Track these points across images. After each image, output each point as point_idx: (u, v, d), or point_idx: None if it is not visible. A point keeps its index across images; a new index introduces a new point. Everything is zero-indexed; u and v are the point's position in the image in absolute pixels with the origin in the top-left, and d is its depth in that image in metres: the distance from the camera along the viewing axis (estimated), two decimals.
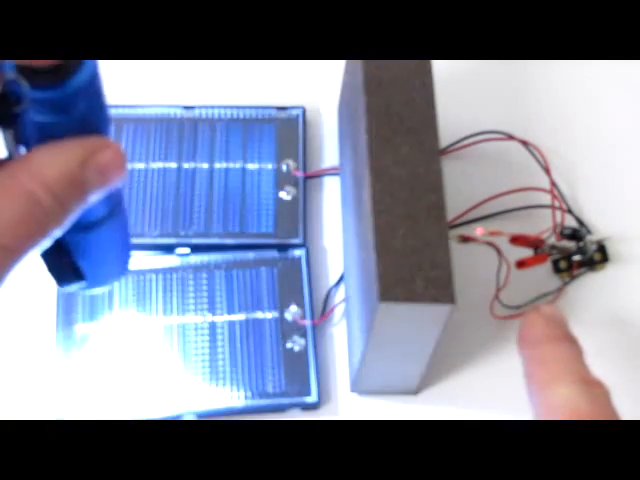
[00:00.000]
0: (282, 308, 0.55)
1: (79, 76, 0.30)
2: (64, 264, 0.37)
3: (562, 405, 0.38)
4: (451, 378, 0.55)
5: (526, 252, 0.55)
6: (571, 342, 0.42)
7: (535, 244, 0.55)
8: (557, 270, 0.57)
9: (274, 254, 0.57)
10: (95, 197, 0.33)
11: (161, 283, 0.56)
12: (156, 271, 0.56)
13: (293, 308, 0.55)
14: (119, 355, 0.53)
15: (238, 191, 0.59)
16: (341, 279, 0.57)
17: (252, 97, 0.63)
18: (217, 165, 0.59)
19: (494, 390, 0.54)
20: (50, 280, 0.37)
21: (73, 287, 0.38)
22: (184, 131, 0.60)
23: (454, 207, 0.57)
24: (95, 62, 0.31)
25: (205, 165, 0.59)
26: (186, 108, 0.61)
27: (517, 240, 0.54)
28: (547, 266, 0.57)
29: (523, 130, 0.60)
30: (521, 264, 0.55)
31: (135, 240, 0.56)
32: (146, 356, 0.53)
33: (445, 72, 0.56)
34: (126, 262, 0.41)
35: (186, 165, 0.59)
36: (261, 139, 0.60)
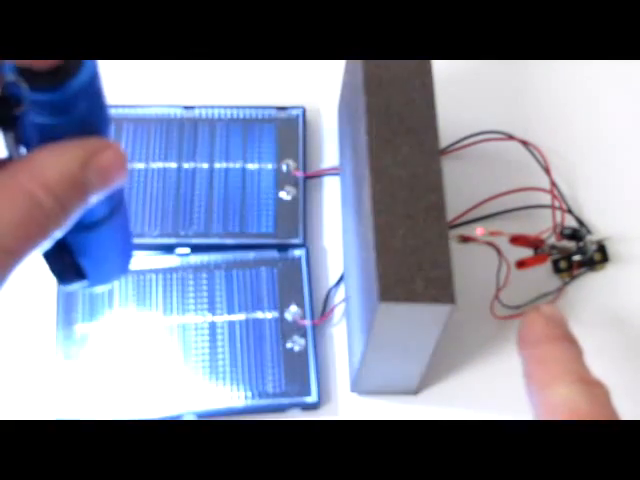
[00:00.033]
0: (282, 308, 0.55)
1: (79, 77, 0.30)
2: (66, 263, 0.37)
3: (562, 405, 0.38)
4: (451, 378, 0.55)
5: (526, 252, 0.55)
6: (571, 342, 0.42)
7: (535, 244, 0.55)
8: (557, 270, 0.57)
9: (274, 254, 0.57)
10: (96, 198, 0.33)
11: (161, 283, 0.56)
12: (156, 271, 0.56)
13: (293, 308, 0.55)
14: (119, 355, 0.53)
15: (238, 191, 0.59)
16: (341, 279, 0.57)
17: (252, 97, 0.63)
18: (217, 165, 0.59)
19: (494, 390, 0.54)
20: (50, 280, 0.37)
21: (75, 286, 0.38)
22: (184, 131, 0.60)
23: (454, 207, 0.57)
24: (95, 63, 0.31)
25: (205, 165, 0.59)
26: (186, 108, 0.61)
27: (517, 240, 0.54)
28: (547, 266, 0.57)
29: (523, 130, 0.60)
30: (521, 264, 0.55)
31: (135, 240, 0.56)
32: (146, 356, 0.53)
33: (445, 72, 0.56)
34: (128, 260, 0.41)
35: (186, 165, 0.59)
36: (261, 139, 0.60)
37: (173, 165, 0.59)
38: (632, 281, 0.58)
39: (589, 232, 0.58)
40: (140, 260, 0.56)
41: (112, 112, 0.34)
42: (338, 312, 0.56)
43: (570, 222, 0.58)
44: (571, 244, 0.57)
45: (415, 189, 0.46)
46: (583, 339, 0.42)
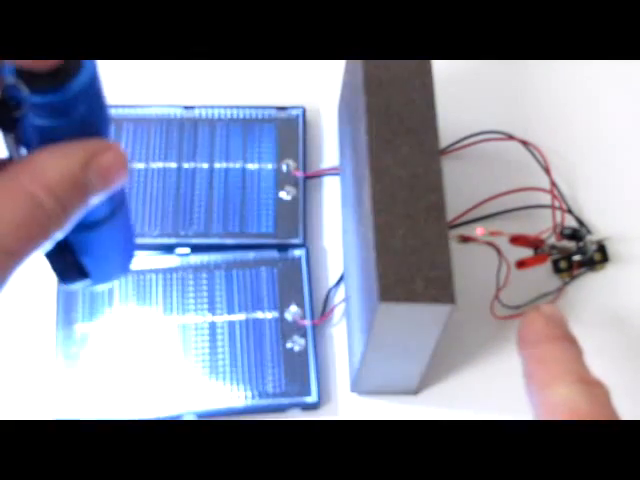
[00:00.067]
0: (282, 308, 0.55)
1: (78, 79, 0.30)
2: (68, 263, 0.37)
3: (562, 405, 0.38)
4: (451, 378, 0.55)
5: (526, 252, 0.55)
6: (571, 342, 0.42)
7: (535, 244, 0.55)
8: (557, 270, 0.57)
9: (274, 254, 0.57)
10: (97, 199, 0.33)
11: (161, 283, 0.56)
12: (156, 271, 0.56)
13: (293, 308, 0.55)
14: (119, 355, 0.53)
15: (238, 191, 0.59)
16: (341, 279, 0.57)
17: (252, 97, 0.63)
18: (217, 165, 0.59)
19: (494, 390, 0.54)
20: (50, 279, 0.37)
21: (78, 285, 0.38)
22: (184, 131, 0.60)
23: (454, 207, 0.57)
24: (94, 65, 0.31)
25: (205, 165, 0.59)
26: (186, 108, 0.61)
27: (517, 240, 0.54)
28: (547, 266, 0.57)
29: (523, 130, 0.60)
30: (521, 264, 0.55)
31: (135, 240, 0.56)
32: (146, 356, 0.53)
33: (445, 72, 0.56)
34: (130, 259, 0.41)
35: (186, 165, 0.59)
36: (261, 139, 0.60)
37: (173, 165, 0.59)
38: (632, 281, 0.58)
39: (589, 232, 0.58)
40: (140, 260, 0.56)
41: (112, 112, 0.34)
42: (338, 312, 0.56)
43: (570, 222, 0.58)
44: (571, 244, 0.57)
45: (415, 189, 0.46)
46: (583, 339, 0.42)
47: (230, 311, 0.55)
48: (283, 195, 0.58)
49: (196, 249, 0.57)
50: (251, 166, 0.59)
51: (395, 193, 0.46)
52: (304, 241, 0.57)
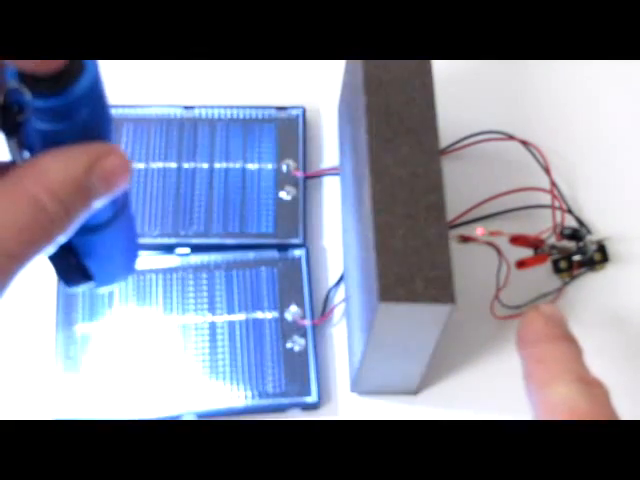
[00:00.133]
0: (282, 308, 0.55)
1: (81, 83, 0.30)
2: (71, 266, 0.37)
3: (561, 404, 0.38)
4: (451, 378, 0.55)
5: (526, 252, 0.55)
6: (570, 341, 0.42)
7: (535, 244, 0.55)
8: (557, 270, 0.57)
9: (274, 254, 0.57)
10: (100, 203, 0.33)
11: (161, 283, 0.56)
12: (156, 271, 0.56)
13: (293, 308, 0.55)
14: (119, 355, 0.53)
15: (238, 191, 0.59)
16: (341, 279, 0.57)
17: (252, 97, 0.63)
18: (217, 165, 0.59)
19: (494, 390, 0.54)
20: (50, 280, 0.37)
21: (81, 288, 0.38)
22: (184, 131, 0.60)
23: (454, 207, 0.57)
24: (96, 68, 0.31)
25: (205, 165, 0.59)
26: (186, 108, 0.61)
27: (517, 240, 0.54)
28: (547, 266, 0.57)
29: (523, 130, 0.60)
30: (521, 264, 0.55)
31: None
32: (146, 356, 0.53)
33: (445, 72, 0.56)
34: (134, 261, 0.41)
35: (186, 165, 0.59)
36: (261, 139, 0.60)
37: (173, 165, 0.59)
38: (632, 281, 0.58)
39: (589, 232, 0.58)
40: (140, 260, 0.56)
41: (112, 112, 0.34)
42: (338, 312, 0.56)
43: (570, 222, 0.58)
44: (571, 244, 0.57)
45: (415, 189, 0.46)
46: (583, 339, 0.42)
47: (230, 311, 0.55)
48: (283, 195, 0.58)
49: (196, 249, 0.57)
50: (251, 166, 0.59)
51: (395, 193, 0.46)
52: (304, 241, 0.57)
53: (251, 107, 0.61)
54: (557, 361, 0.40)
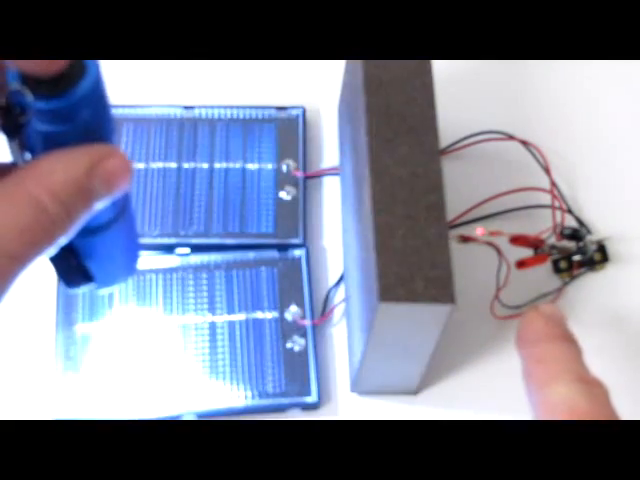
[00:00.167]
0: (282, 308, 0.55)
1: (82, 85, 0.30)
2: (72, 267, 0.37)
3: (561, 404, 0.38)
4: (451, 378, 0.55)
5: (526, 252, 0.55)
6: (570, 341, 0.42)
7: (535, 244, 0.55)
8: (557, 270, 0.57)
9: (274, 254, 0.57)
10: (101, 204, 0.33)
11: (161, 283, 0.56)
12: (156, 271, 0.56)
13: (293, 308, 0.55)
14: (119, 355, 0.53)
15: (238, 191, 0.59)
16: (341, 279, 0.57)
17: (252, 97, 0.63)
18: (217, 165, 0.59)
19: (494, 390, 0.54)
20: (50, 280, 0.37)
21: (82, 289, 0.38)
22: (184, 131, 0.60)
23: (454, 207, 0.57)
24: (98, 70, 0.31)
25: (205, 165, 0.59)
26: (186, 108, 0.61)
27: (517, 240, 0.54)
28: (547, 266, 0.57)
29: (523, 130, 0.60)
30: (521, 264, 0.55)
31: None
32: (146, 356, 0.53)
33: (445, 72, 0.56)
34: (135, 261, 0.41)
35: (186, 165, 0.59)
36: (261, 139, 0.60)
37: (173, 165, 0.59)
38: (632, 281, 0.58)
39: (589, 232, 0.58)
40: (140, 260, 0.56)
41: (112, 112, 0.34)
42: (338, 312, 0.56)
43: (570, 222, 0.58)
44: (571, 244, 0.57)
45: (415, 189, 0.46)
46: (583, 339, 0.42)
47: (230, 311, 0.55)
48: (283, 195, 0.58)
49: (196, 249, 0.57)
50: (251, 166, 0.59)
51: (395, 193, 0.46)
52: (304, 241, 0.57)
53: (251, 107, 0.61)
54: (557, 361, 0.40)
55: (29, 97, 0.30)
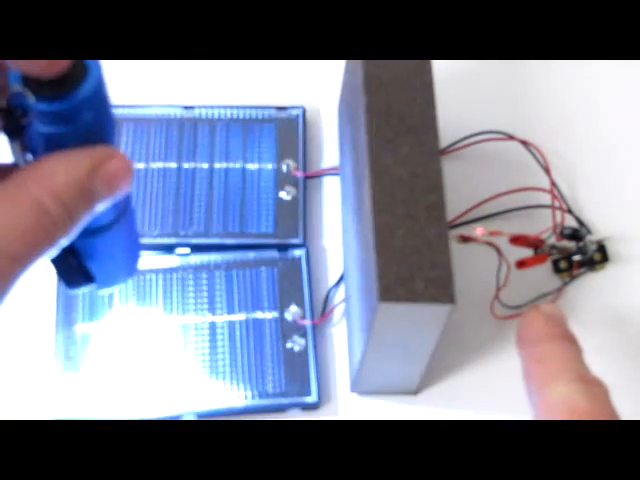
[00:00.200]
0: (282, 308, 0.55)
1: (84, 87, 0.30)
2: (73, 268, 0.37)
3: (561, 403, 0.38)
4: (451, 378, 0.55)
5: (526, 252, 0.55)
6: (570, 341, 0.42)
7: (535, 244, 0.55)
8: (557, 270, 0.57)
9: (274, 254, 0.57)
10: (102, 206, 0.33)
11: (161, 283, 0.56)
12: (156, 271, 0.56)
13: (293, 308, 0.55)
14: (119, 355, 0.53)
15: (238, 191, 0.59)
16: (341, 279, 0.57)
17: (252, 97, 0.63)
18: (217, 165, 0.59)
19: (494, 390, 0.54)
20: (50, 280, 0.37)
21: (83, 289, 0.38)
22: (184, 131, 0.60)
23: (454, 207, 0.57)
24: (100, 72, 0.31)
25: (205, 165, 0.59)
26: (186, 108, 0.61)
27: (517, 240, 0.54)
28: (547, 266, 0.57)
29: (523, 130, 0.60)
30: (521, 264, 0.55)
31: None
32: (146, 356, 0.53)
33: (445, 72, 0.56)
34: (135, 262, 0.41)
35: (186, 165, 0.59)
36: (261, 139, 0.60)
37: (173, 165, 0.59)
38: (632, 281, 0.58)
39: (589, 232, 0.58)
40: (140, 260, 0.56)
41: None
42: (338, 312, 0.56)
43: (570, 222, 0.58)
44: (571, 244, 0.57)
45: (415, 189, 0.46)
46: (583, 339, 0.42)
47: (230, 311, 0.55)
48: (283, 195, 0.58)
49: (196, 249, 0.57)
50: (251, 166, 0.59)
51: (395, 193, 0.46)
52: (304, 241, 0.57)
53: (251, 107, 0.61)
54: (557, 360, 0.40)
55: (31, 99, 0.30)
